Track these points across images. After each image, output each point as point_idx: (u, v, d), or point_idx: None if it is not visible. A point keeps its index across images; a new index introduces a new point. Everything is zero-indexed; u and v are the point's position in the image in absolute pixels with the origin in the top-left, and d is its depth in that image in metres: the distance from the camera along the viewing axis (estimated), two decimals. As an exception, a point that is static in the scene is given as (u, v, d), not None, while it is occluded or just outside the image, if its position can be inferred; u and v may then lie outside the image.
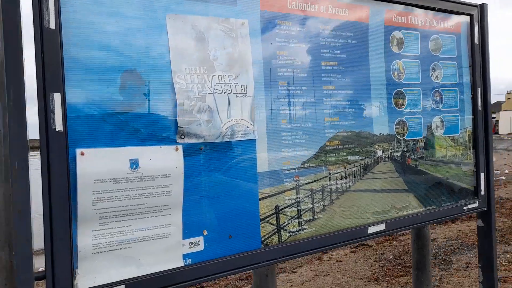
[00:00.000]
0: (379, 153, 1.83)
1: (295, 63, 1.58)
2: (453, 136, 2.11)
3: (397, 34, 1.90)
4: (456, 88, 2.11)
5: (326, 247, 1.61)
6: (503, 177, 18.12)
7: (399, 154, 1.91)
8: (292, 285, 6.46)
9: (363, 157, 1.77)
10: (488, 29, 2.16)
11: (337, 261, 7.57)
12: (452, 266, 6.27)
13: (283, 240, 1.53)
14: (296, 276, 6.99)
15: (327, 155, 1.66)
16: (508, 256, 6.46)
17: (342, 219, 1.69)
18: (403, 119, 1.91)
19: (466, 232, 8.70)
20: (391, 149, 1.87)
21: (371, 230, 1.70)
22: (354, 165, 1.74)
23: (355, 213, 1.73)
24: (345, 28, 1.72)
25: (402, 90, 1.91)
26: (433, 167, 2.03)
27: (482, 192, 2.14)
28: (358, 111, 1.75)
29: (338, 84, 1.69)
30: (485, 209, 2.15)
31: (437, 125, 2.04)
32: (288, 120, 1.55)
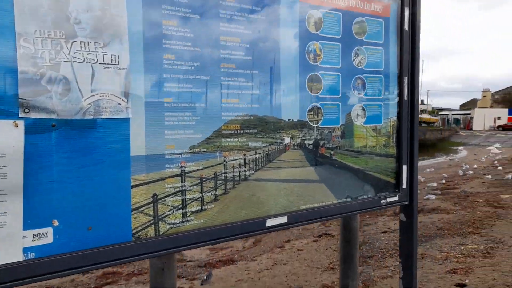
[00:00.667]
0: (287, 140, 1.69)
1: (187, 35, 1.40)
2: (375, 126, 2.00)
3: (315, 13, 1.74)
4: (381, 75, 1.99)
5: (216, 240, 1.47)
6: (471, 172, 18.67)
7: (311, 142, 1.78)
8: (249, 273, 6.41)
9: (268, 144, 1.63)
10: (420, 16, 2.04)
11: (298, 249, 7.57)
12: None
13: (161, 233, 1.37)
14: (255, 264, 6.94)
15: (223, 140, 1.50)
16: (462, 248, 6.59)
17: (238, 210, 1.55)
18: (318, 105, 1.78)
19: (428, 224, 8.87)
20: (301, 137, 1.74)
21: (270, 223, 1.57)
22: (256, 152, 1.60)
23: (254, 204, 1.59)
24: (252, 1, 1.55)
25: (318, 74, 1.77)
26: (351, 157, 1.91)
27: (404, 186, 2.05)
28: (264, 93, 1.60)
29: (239, 62, 1.53)
30: (406, 203, 2.07)
31: (357, 114, 1.92)
32: (175, 98, 1.38)
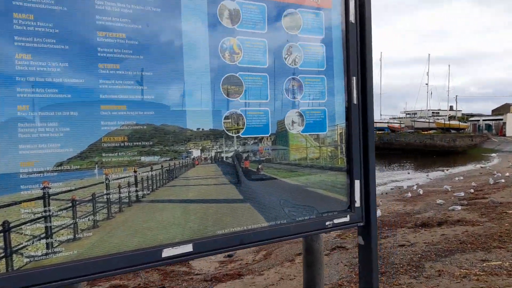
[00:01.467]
0: (196, 153, 1.44)
1: (48, 29, 1.18)
2: (318, 135, 1.71)
3: (230, 4, 1.49)
4: (322, 76, 1.70)
5: (94, 274, 1.22)
6: (503, 180, 17.66)
7: (230, 155, 1.51)
8: None
9: (169, 158, 1.38)
10: (370, 6, 1.75)
11: None
12: (424, 274, 5.87)
13: (16, 268, 1.14)
14: (261, 278, 6.63)
15: (103, 154, 1.26)
16: (484, 264, 6.04)
17: (128, 238, 1.30)
18: (238, 111, 1.51)
19: (450, 237, 8.28)
20: (217, 149, 1.48)
21: (168, 253, 1.31)
22: (151, 168, 1.35)
23: (150, 231, 1.34)
24: (141, -10, 1.32)
25: (237, 75, 1.51)
26: (286, 172, 1.63)
27: (357, 204, 1.73)
28: (161, 98, 1.35)
29: (126, 62, 1.30)
30: (362, 224, 1.76)
31: (293, 121, 1.64)
32: (32, 105, 1.16)
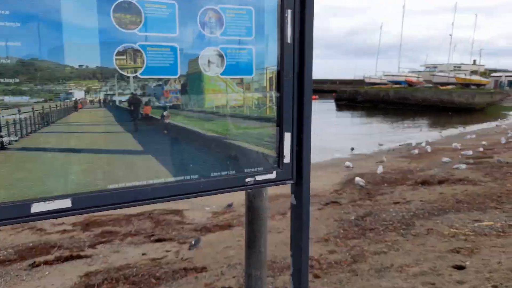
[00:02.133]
0: (79, 95, 1.22)
1: None
2: (242, 79, 1.46)
3: None
4: (249, 7, 1.42)
5: None
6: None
7: (125, 99, 1.29)
8: (240, 240, 6.14)
9: (42, 99, 1.18)
10: None
11: None
12: (412, 231, 5.77)
13: None
14: None
15: (-49, 92, 1.07)
16: (475, 225, 5.90)
17: (-10, 190, 1.13)
18: (135, 46, 1.27)
19: (448, 196, 8.10)
20: (107, 91, 1.26)
21: (37, 208, 1.14)
22: (19, 111, 1.15)
23: (22, 182, 1.16)
24: None
25: (134, 2, 1.25)
26: (201, 121, 1.41)
27: (287, 160, 1.52)
28: (30, 26, 1.12)
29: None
30: (291, 182, 1.56)
31: (210, 61, 1.39)
32: None
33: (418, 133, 26.90)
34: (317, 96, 70.39)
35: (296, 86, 1.48)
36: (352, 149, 18.28)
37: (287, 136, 1.49)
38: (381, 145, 19.48)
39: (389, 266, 4.48)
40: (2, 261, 5.81)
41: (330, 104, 55.17)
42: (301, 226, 1.57)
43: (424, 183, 9.52)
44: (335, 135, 24.72)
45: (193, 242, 5.79)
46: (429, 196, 8.09)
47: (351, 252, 5.05)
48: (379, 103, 49.67)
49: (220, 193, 1.39)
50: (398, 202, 7.66)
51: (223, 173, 1.43)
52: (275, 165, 1.52)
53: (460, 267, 4.39)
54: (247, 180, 1.44)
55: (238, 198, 10.01)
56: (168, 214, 8.76)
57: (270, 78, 1.49)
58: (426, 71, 63.88)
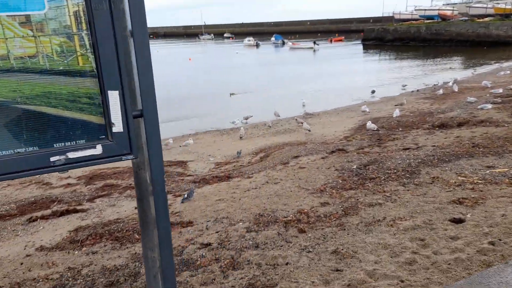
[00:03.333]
0: None
1: None
2: (28, 16, 1.05)
3: None
4: None
5: None
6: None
7: None
8: (234, 192, 5.99)
9: None
10: None
11: (300, 167, 6.90)
12: (415, 180, 5.37)
13: None
14: (247, 182, 6.46)
15: None
16: (487, 172, 5.42)
17: None
18: None
19: (464, 139, 7.53)
20: None
21: None
22: None
23: None
24: None
25: None
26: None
27: (118, 128, 1.14)
28: None
29: None
30: (132, 158, 1.19)
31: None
32: None
33: (449, 72, 25.29)
34: (343, 37, 67.04)
35: (116, 20, 1.06)
36: (373, 91, 17.40)
37: (113, 95, 1.10)
38: (404, 86, 18.44)
39: (380, 219, 4.17)
40: (3, 216, 5.93)
41: (357, 47, 52.54)
42: (151, 219, 1.21)
43: (442, 126, 8.89)
44: (358, 77, 23.64)
45: (185, 196, 5.67)
46: (444, 140, 7.54)
47: (345, 204, 4.76)
48: (410, 41, 46.78)
49: (16, 178, 1.06)
50: (408, 148, 7.19)
51: (19, 150, 1.07)
52: (103, 136, 1.15)
53: (458, 221, 4.03)
54: (52, 159, 1.09)
55: (250, 146, 9.75)
56: (172, 165, 8.69)
57: (76, 13, 1.07)
58: (462, 3, 58.71)
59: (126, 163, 8.40)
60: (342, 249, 3.53)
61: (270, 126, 11.88)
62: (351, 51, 45.63)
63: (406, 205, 4.53)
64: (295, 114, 13.77)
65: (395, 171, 5.94)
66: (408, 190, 5.06)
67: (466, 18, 47.32)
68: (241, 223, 4.43)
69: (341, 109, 14.26)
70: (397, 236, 3.70)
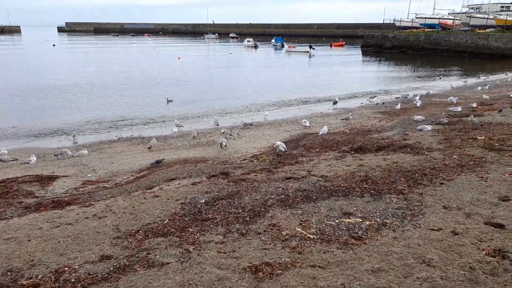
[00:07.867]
0: None
1: None
2: None
3: None
4: None
5: None
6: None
7: None
8: (41, 228, 4.88)
9: None
10: None
11: (155, 196, 5.70)
12: (249, 226, 4.20)
13: None
14: (75, 213, 5.30)
15: None
16: (336, 221, 4.21)
17: None
18: None
19: (363, 169, 6.25)
20: None
21: None
22: None
23: None
24: None
25: None
26: None
27: None
28: None
29: None
30: None
31: None
32: None
33: (434, 82, 23.98)
34: (344, 42, 65.54)
35: None
36: (335, 103, 16.18)
37: None
38: (372, 98, 17.20)
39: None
40: None
41: (357, 52, 51.04)
42: None
43: (360, 150, 7.70)
44: (335, 87, 22.36)
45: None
46: (342, 169, 6.38)
47: (124, 261, 3.64)
48: (408, 49, 45.34)
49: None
50: (291, 178, 6.02)
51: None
52: None
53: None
54: None
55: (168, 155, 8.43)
56: (33, 181, 7.58)
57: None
58: (464, 12, 56.71)
59: None
60: None
61: (194, 137, 10.80)
62: (348, 58, 44.22)
63: (184, 271, 3.40)
64: (237, 125, 12.67)
65: (241, 210, 4.81)
66: (222, 243, 3.92)
67: (467, 28, 45.67)
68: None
69: (286, 121, 13.10)
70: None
